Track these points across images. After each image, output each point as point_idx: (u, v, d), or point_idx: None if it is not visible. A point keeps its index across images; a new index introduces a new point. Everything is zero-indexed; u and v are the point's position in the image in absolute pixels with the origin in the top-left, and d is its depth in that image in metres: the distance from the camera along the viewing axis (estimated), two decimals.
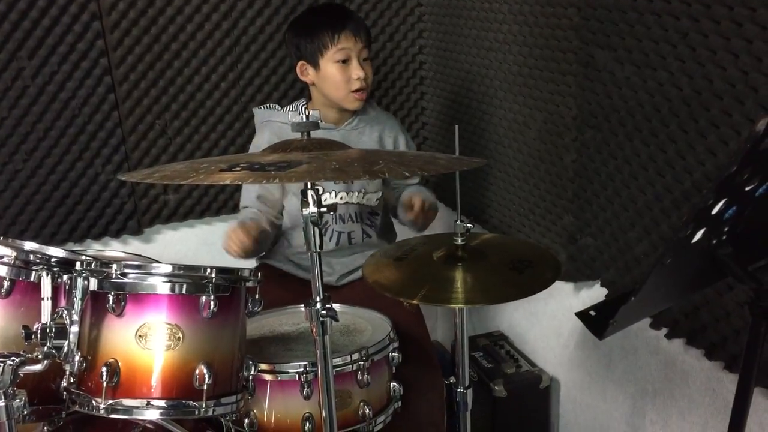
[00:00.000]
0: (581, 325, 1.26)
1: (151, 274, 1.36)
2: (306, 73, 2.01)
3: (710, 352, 1.59)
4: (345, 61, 1.95)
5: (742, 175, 0.94)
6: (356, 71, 1.96)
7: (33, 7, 2.10)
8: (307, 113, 1.27)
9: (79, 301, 1.34)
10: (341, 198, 2.05)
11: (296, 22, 2.06)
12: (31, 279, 1.43)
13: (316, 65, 1.98)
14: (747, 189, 0.98)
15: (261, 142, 2.05)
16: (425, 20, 2.55)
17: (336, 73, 1.96)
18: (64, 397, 1.38)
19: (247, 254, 1.84)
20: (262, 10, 2.33)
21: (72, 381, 1.35)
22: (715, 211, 0.97)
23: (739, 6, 1.34)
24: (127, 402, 1.32)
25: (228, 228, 1.84)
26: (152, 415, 1.34)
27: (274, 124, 2.06)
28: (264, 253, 2.16)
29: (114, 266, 1.34)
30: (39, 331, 1.30)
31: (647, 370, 1.85)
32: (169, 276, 1.36)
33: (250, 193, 2.05)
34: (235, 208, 2.40)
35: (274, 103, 2.20)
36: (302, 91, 2.17)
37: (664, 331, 1.72)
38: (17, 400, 1.25)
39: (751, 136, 0.88)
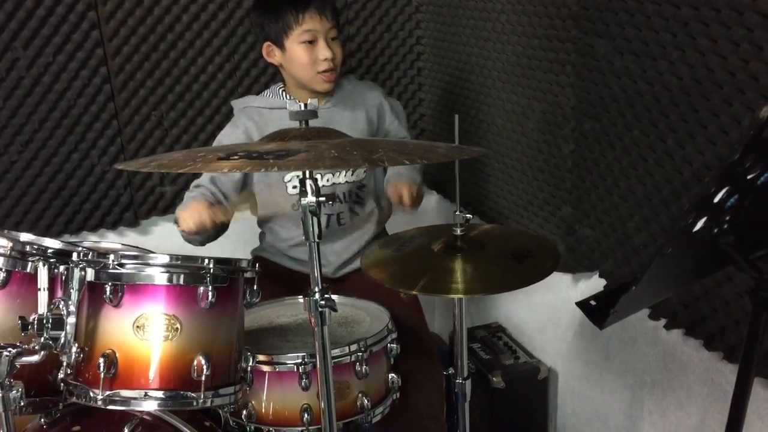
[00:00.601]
0: (579, 316, 1.25)
1: (148, 264, 1.35)
2: (272, 54, 1.95)
3: (709, 342, 1.59)
4: (311, 42, 1.89)
5: (745, 164, 0.94)
6: (323, 52, 1.88)
7: None
8: (290, 97, 1.24)
9: (76, 292, 1.33)
10: (327, 180, 2.01)
11: (260, 1, 1.98)
12: (28, 270, 1.42)
13: (281, 46, 1.91)
14: (749, 177, 0.97)
15: (234, 128, 2.00)
16: (423, 11, 2.54)
17: (302, 54, 1.89)
18: (62, 388, 1.38)
19: (198, 230, 1.78)
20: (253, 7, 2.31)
21: (69, 372, 1.35)
22: (716, 199, 0.97)
23: None
24: (125, 393, 1.32)
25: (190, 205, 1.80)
26: (150, 406, 1.34)
27: (251, 110, 2.01)
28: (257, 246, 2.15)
29: (111, 257, 1.33)
30: (36, 322, 1.29)
31: (646, 360, 1.85)
32: (167, 266, 1.35)
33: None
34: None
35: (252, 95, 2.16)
36: None
37: (663, 321, 1.71)
38: (14, 392, 1.25)
39: (754, 124, 0.88)
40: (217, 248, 2.06)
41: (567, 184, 1.92)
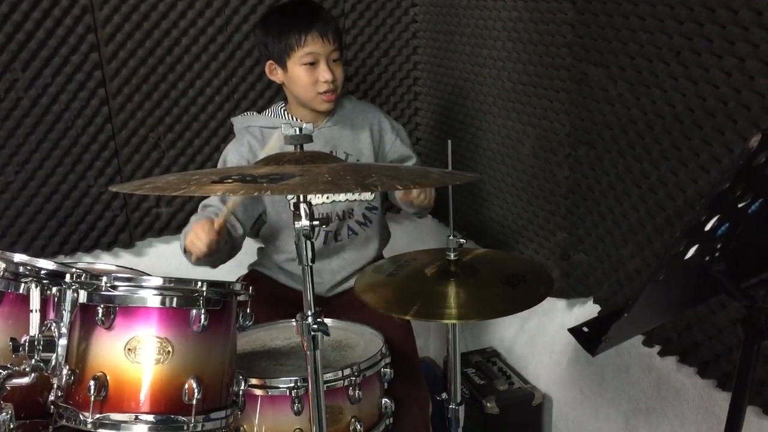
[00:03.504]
0: (574, 342, 1.25)
1: (141, 286, 1.35)
2: (275, 73, 1.98)
3: (703, 369, 1.59)
4: (313, 64, 1.91)
5: (735, 192, 0.94)
6: (324, 74, 1.91)
7: (28, 19, 2.09)
8: (300, 125, 1.26)
9: (68, 314, 1.33)
10: (327, 197, 2.02)
11: (265, 20, 2.02)
12: (20, 291, 1.43)
13: (284, 66, 1.94)
14: (740, 206, 0.98)
15: (239, 145, 2.02)
16: (419, 36, 2.56)
17: (303, 75, 1.91)
18: (52, 410, 1.37)
19: (210, 250, 1.75)
20: (257, 23, 2.33)
21: (59, 394, 1.34)
22: (708, 227, 0.97)
23: (731, 24, 1.35)
24: (115, 416, 1.31)
25: (191, 232, 1.77)
26: (140, 429, 1.32)
27: (254, 129, 2.03)
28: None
29: (104, 279, 1.33)
30: (27, 343, 1.29)
31: (640, 387, 1.84)
32: (160, 289, 1.35)
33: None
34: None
35: (251, 111, 2.17)
36: None
37: (657, 348, 1.71)
38: (4, 414, 1.24)
39: (744, 153, 0.88)
40: (211, 271, 2.05)
41: (562, 210, 1.93)
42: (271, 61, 1.97)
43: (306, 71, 1.91)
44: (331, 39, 1.92)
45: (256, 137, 2.00)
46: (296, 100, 2.00)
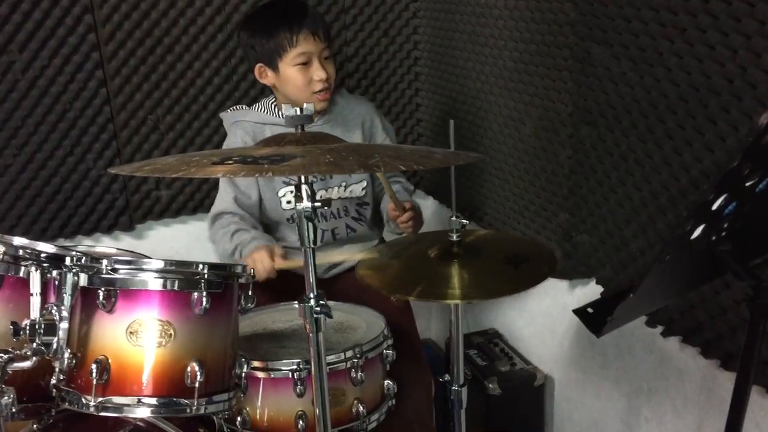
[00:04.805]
0: (576, 323, 1.25)
1: (142, 269, 1.34)
2: (265, 75, 1.95)
3: (706, 350, 1.59)
4: (305, 63, 1.88)
5: (743, 170, 0.93)
6: (318, 72, 1.88)
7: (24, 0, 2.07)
8: (296, 111, 1.24)
9: (69, 297, 1.32)
10: (321, 196, 2.01)
11: (250, 21, 1.97)
12: (20, 274, 1.41)
13: (275, 68, 1.91)
14: (748, 184, 0.97)
15: (233, 142, 2.01)
16: (420, 16, 2.53)
17: (297, 76, 1.89)
18: (54, 394, 1.36)
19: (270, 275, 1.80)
20: (256, 5, 2.31)
21: (61, 378, 1.33)
22: (715, 206, 0.96)
23: (737, 1, 1.33)
24: (118, 400, 1.31)
25: (254, 253, 1.82)
26: (143, 413, 1.32)
27: (245, 124, 2.01)
28: None
29: (104, 262, 1.32)
30: (28, 327, 1.28)
31: (642, 368, 1.84)
32: (161, 272, 1.34)
33: (226, 195, 2.00)
34: None
35: (240, 105, 2.17)
36: None
37: (660, 329, 1.71)
38: (6, 398, 1.24)
39: (753, 130, 0.87)
40: (212, 254, 2.05)
41: (564, 190, 1.92)
42: (260, 64, 1.94)
43: (299, 71, 1.89)
44: (322, 36, 1.90)
45: (249, 133, 1.98)
46: (288, 100, 1.95)
